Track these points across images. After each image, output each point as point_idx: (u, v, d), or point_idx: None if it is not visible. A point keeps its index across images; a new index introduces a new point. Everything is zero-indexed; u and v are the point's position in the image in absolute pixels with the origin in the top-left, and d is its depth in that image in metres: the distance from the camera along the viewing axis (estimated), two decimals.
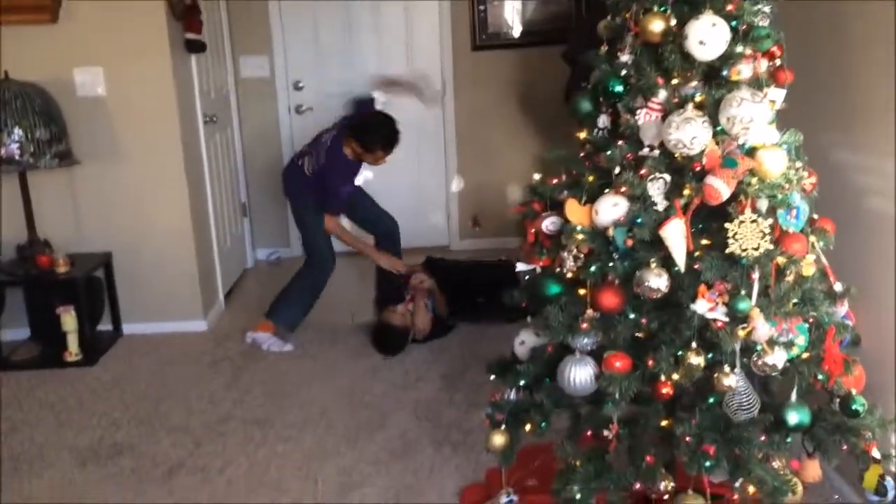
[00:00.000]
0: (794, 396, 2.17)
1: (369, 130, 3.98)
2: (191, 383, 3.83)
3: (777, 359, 2.07)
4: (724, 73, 2.05)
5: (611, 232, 2.12)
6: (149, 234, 4.37)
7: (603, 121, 2.30)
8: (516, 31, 5.63)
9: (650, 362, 2.10)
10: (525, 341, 2.56)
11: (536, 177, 2.47)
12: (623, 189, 2.11)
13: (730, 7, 2.03)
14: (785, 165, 2.10)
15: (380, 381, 3.80)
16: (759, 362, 2.08)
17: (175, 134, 4.26)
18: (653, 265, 2.07)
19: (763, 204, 2.08)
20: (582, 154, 2.34)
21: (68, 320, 4.05)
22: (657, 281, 2.06)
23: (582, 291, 2.29)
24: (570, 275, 2.28)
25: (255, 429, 3.37)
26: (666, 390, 2.09)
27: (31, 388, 3.82)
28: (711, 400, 2.20)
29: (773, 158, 2.08)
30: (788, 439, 2.12)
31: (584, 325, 2.17)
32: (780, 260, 2.05)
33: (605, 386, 2.12)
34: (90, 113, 4.17)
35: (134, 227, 4.36)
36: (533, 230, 2.44)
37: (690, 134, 2.00)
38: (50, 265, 4.06)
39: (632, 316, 2.17)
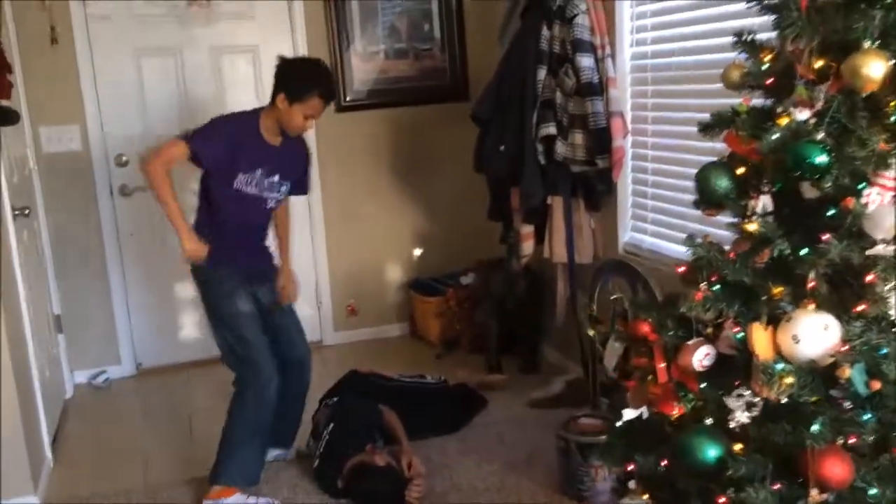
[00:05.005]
0: None
1: (299, 71, 3.00)
2: None
3: None
4: None
5: (847, 372, 1.43)
6: None
7: (764, 204, 1.63)
8: (386, 89, 4.87)
9: None
10: None
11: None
12: (862, 307, 1.43)
13: None
14: None
15: None
16: None
17: None
18: None
19: None
20: (732, 254, 1.65)
21: None
22: None
23: (738, 447, 1.60)
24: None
25: None
26: None
27: None
28: None
29: None
30: None
31: None
32: None
33: None
34: None
35: None
36: (662, 365, 1.70)
37: None
38: None
39: (873, 491, 1.48)
